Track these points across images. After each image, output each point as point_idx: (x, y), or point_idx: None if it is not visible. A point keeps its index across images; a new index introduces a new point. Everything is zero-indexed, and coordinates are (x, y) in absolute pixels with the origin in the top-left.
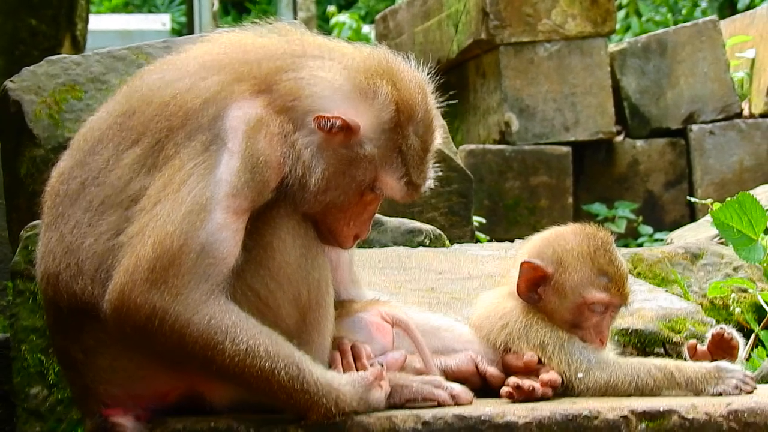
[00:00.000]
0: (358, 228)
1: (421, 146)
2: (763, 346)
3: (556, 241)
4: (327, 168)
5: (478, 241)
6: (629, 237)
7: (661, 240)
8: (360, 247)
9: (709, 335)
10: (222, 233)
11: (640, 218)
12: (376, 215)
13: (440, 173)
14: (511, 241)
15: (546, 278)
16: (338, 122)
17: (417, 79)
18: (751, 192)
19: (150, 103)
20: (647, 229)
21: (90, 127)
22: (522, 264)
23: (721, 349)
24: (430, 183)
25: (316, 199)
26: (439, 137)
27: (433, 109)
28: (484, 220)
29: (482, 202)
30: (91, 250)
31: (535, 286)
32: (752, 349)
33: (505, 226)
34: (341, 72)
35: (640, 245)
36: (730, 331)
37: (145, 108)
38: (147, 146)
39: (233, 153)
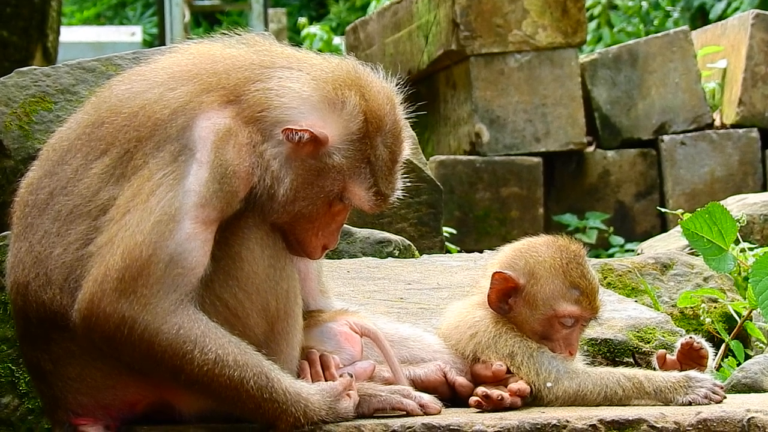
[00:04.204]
0: (326, 238)
1: (390, 157)
2: (734, 355)
3: (529, 252)
4: (295, 178)
5: (448, 251)
6: (600, 248)
7: (633, 251)
8: (329, 257)
9: (678, 345)
10: (191, 243)
11: (611, 229)
12: (345, 226)
13: (409, 184)
14: (481, 251)
15: (517, 289)
16: (306, 135)
17: (385, 89)
18: (722, 202)
19: (119, 114)
20: (618, 240)
21: (59, 138)
22: (494, 274)
23: (691, 358)
24: (398, 193)
25: (285, 210)
26: (408, 148)
27: (402, 119)
28: (454, 231)
29: (453, 213)
30: (60, 260)
31: (506, 296)
32: (722, 359)
33: (476, 237)
34: (309, 83)
35: (611, 256)
36: (700, 341)
37: (114, 118)
38: (116, 156)
39: (202, 163)
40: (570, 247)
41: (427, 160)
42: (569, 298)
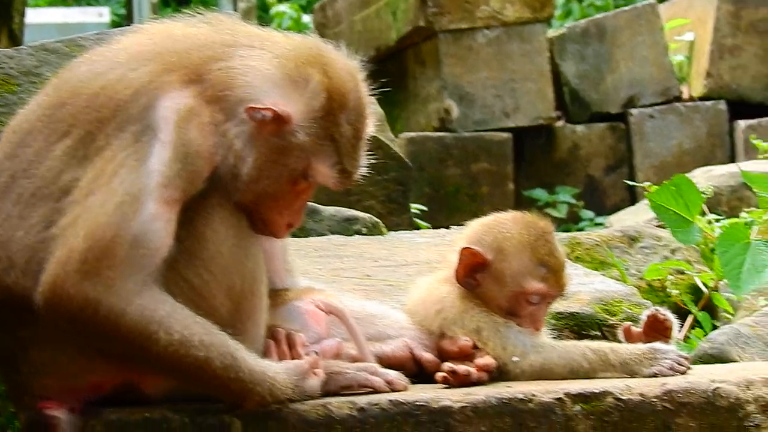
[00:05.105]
0: (291, 217)
1: (354, 134)
2: (701, 327)
3: (497, 228)
4: (259, 157)
5: (417, 228)
6: (570, 222)
7: (602, 224)
8: (296, 235)
9: (643, 317)
10: (154, 224)
11: (581, 203)
12: (312, 204)
13: (377, 161)
14: (447, 228)
15: (485, 265)
16: (269, 113)
17: (348, 66)
18: (689, 175)
19: (80, 95)
20: (588, 214)
21: (20, 120)
22: (461, 250)
23: (656, 330)
24: (362, 170)
25: (249, 189)
26: (372, 125)
27: (366, 96)
28: (425, 208)
29: (423, 190)
30: (22, 243)
31: (473, 272)
32: (690, 331)
33: (447, 214)
34: (272, 61)
35: (582, 230)
36: (665, 313)
37: (75, 100)
38: (77, 138)
39: (164, 143)
40: (538, 224)
41: (397, 137)
42: (536, 276)
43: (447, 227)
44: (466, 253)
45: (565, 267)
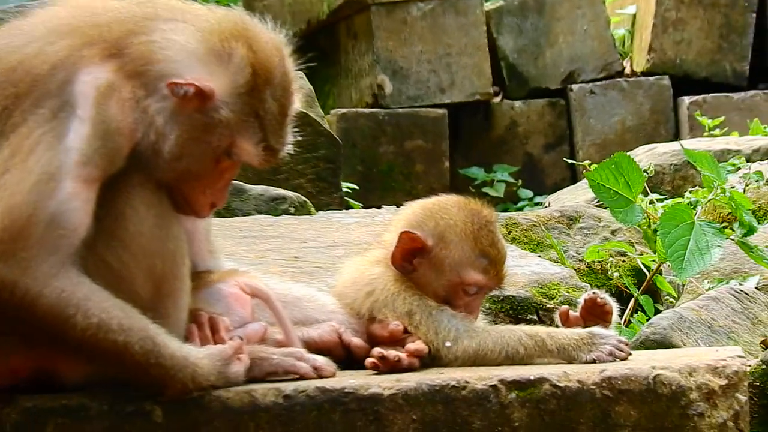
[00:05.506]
0: (214, 196)
1: (279, 110)
2: (643, 311)
3: (439, 213)
4: (181, 134)
5: (348, 207)
6: (509, 201)
7: (542, 204)
8: (221, 215)
9: (581, 300)
10: (72, 203)
11: (520, 182)
12: (239, 182)
13: (306, 138)
14: (379, 207)
15: (424, 250)
16: (191, 88)
17: (274, 40)
18: (632, 153)
19: None
20: (527, 193)
21: None
22: (402, 233)
23: (594, 314)
24: (288, 147)
25: (171, 167)
26: (299, 100)
27: (292, 71)
28: (357, 187)
29: (355, 168)
30: None
31: (411, 256)
32: (632, 315)
33: (380, 193)
34: (194, 35)
35: (520, 209)
36: (603, 296)
37: None
38: None
39: (83, 120)
40: (482, 213)
41: (328, 113)
42: (477, 267)
43: (379, 207)
44: (406, 237)
45: (506, 259)
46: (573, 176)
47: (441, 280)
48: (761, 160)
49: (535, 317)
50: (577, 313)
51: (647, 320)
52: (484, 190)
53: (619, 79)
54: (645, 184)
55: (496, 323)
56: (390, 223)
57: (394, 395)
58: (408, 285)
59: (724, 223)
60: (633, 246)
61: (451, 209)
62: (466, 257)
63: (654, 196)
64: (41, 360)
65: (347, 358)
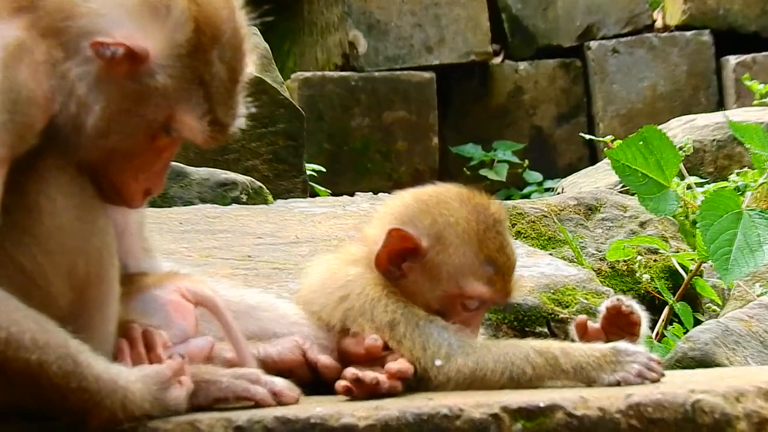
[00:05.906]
0: (149, 181)
1: (228, 75)
2: (680, 322)
3: (437, 208)
4: (108, 105)
5: (314, 195)
6: (512, 186)
7: (553, 190)
8: (156, 205)
9: (602, 309)
10: None
11: (526, 162)
12: (178, 164)
13: (262, 109)
14: (351, 194)
15: (417, 253)
16: (121, 49)
17: None
18: (664, 126)
19: None
20: (535, 176)
21: None
22: (390, 230)
23: (619, 326)
24: (240, 121)
25: (95, 145)
26: (252, 63)
27: (244, 27)
28: (323, 169)
29: (322, 146)
30: None
31: (400, 259)
32: (665, 326)
33: (352, 177)
34: None
35: (527, 196)
36: (629, 303)
37: None
38: None
39: None
40: (489, 209)
41: (289, 78)
42: (481, 276)
43: (351, 194)
44: (395, 235)
45: (515, 267)
46: (592, 155)
47: (436, 290)
48: None
49: (546, 330)
50: (598, 325)
51: (684, 333)
52: (482, 172)
53: (648, 35)
54: (681, 165)
55: (498, 337)
56: (374, 215)
57: (372, 426)
58: (391, 290)
59: None
60: (667, 242)
61: (451, 203)
62: (469, 264)
63: (692, 180)
64: None
65: (314, 380)
